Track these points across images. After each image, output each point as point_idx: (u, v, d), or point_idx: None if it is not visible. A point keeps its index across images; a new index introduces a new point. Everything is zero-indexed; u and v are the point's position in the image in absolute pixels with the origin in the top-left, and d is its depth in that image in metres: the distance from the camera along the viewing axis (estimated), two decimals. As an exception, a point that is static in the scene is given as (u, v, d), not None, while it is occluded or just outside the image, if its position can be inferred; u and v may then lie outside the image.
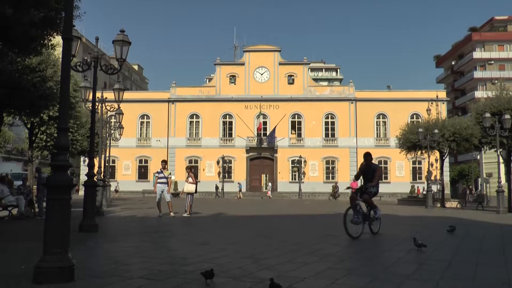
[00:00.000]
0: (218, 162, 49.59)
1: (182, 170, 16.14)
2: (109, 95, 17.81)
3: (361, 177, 9.77)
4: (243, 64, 51.80)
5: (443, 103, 49.35)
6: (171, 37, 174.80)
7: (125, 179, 49.40)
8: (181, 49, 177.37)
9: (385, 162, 49.25)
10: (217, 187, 46.59)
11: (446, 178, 44.87)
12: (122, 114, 22.55)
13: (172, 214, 15.03)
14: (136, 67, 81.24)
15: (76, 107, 21.43)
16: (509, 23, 66.21)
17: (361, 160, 9.76)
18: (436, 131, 26.08)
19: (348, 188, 10.93)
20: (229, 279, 4.93)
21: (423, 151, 28.74)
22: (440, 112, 42.23)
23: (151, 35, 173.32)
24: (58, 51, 9.14)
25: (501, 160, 23.82)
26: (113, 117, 26.15)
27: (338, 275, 5.28)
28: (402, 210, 22.23)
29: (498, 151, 22.95)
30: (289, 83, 51.29)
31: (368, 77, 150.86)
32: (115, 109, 19.64)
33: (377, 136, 50.31)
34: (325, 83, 78.18)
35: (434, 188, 33.90)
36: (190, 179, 15.57)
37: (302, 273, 5.34)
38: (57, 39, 9.09)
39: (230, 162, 49.99)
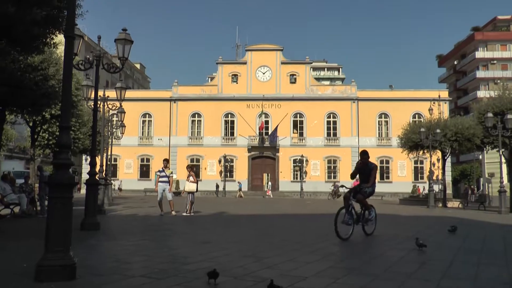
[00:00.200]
0: (220, 161, 49.60)
1: (184, 169, 16.20)
2: (111, 93, 17.84)
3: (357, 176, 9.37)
4: (245, 63, 51.77)
5: (445, 103, 49.25)
6: (173, 36, 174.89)
7: (127, 178, 49.46)
8: (183, 48, 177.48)
9: (387, 162, 49.22)
10: (217, 186, 46.60)
11: (448, 178, 44.83)
12: (124, 112, 22.56)
13: (173, 213, 15.05)
14: (138, 66, 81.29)
15: (78, 105, 21.42)
16: (512, 22, 66.07)
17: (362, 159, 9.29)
18: (438, 130, 26.03)
19: (342, 186, 10.29)
20: (230, 278, 4.93)
21: (425, 151, 28.69)
22: (442, 111, 42.22)
23: (153, 33, 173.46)
24: (60, 50, 9.15)
25: (503, 160, 23.76)
26: (115, 115, 26.18)
27: (339, 274, 5.28)
28: (403, 209, 22.21)
29: (500, 151, 22.90)
30: (291, 82, 51.26)
31: (370, 76, 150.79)
32: (117, 107, 19.65)
33: (379, 135, 50.24)
34: (327, 82, 78.12)
35: (436, 188, 33.86)
36: (191, 178, 15.57)
37: (304, 272, 5.34)
38: (59, 38, 9.10)
39: (232, 161, 50.00)
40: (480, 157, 49.03)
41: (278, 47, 52.14)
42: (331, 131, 50.35)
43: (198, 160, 50.07)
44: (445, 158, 29.81)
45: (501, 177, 21.86)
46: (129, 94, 26.23)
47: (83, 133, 24.81)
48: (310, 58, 52.87)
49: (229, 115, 50.91)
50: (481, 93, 59.48)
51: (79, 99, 20.35)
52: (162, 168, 15.47)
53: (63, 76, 5.27)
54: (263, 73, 51.36)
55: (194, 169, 16.94)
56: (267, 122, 50.07)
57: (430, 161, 28.87)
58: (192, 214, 15.23)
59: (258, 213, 18.26)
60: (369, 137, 49.40)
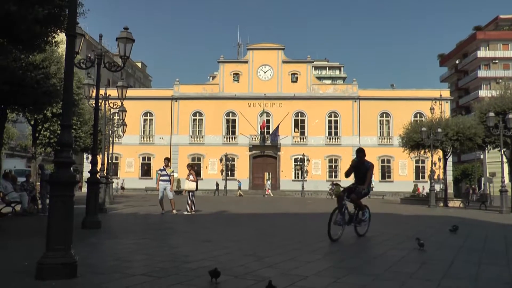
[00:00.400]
0: (221, 160, 49.62)
1: (185, 167, 16.16)
2: (113, 92, 17.84)
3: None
4: (246, 62, 51.75)
5: (447, 102, 49.16)
6: (175, 34, 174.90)
7: (128, 176, 49.50)
8: (185, 46, 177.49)
9: (388, 161, 49.20)
10: (217, 185, 46.57)
11: (449, 178, 44.80)
12: (125, 111, 22.59)
13: (174, 211, 15.07)
14: (139, 65, 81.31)
15: (80, 104, 21.42)
16: (514, 22, 65.93)
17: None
18: (439, 130, 26.00)
19: (336, 184, 9.58)
20: (231, 277, 4.93)
21: (426, 150, 28.66)
22: (444, 111, 42.08)
23: (154, 32, 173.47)
24: (62, 48, 9.15)
25: (504, 159, 23.73)
26: (116, 114, 26.23)
27: (340, 274, 5.28)
28: (404, 209, 22.20)
29: (502, 151, 22.88)
30: (293, 81, 51.21)
31: (372, 75, 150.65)
32: (118, 106, 19.66)
33: (380, 134, 50.19)
34: (329, 82, 78.14)
35: (437, 187, 33.83)
36: (191, 177, 15.57)
37: (305, 271, 5.34)
38: (61, 36, 9.09)
39: (233, 160, 50.02)
40: (482, 156, 48.98)
41: (279, 46, 52.10)
42: (332, 130, 50.32)
43: (199, 159, 50.09)
44: (447, 157, 29.78)
45: (503, 177, 21.84)
46: (130, 92, 26.27)
47: (84, 131, 24.82)
48: (311, 57, 52.81)
49: (231, 114, 50.90)
50: (483, 93, 59.42)
51: (80, 98, 20.35)
52: (163, 167, 15.48)
53: (65, 75, 5.27)
54: (265, 72, 51.33)
55: (195, 168, 16.95)
56: (268, 121, 50.05)
57: (432, 161, 28.83)
58: (193, 212, 15.24)
59: (259, 212, 18.26)
60: (371, 136, 49.36)
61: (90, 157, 18.87)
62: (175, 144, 50.35)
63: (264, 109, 49.22)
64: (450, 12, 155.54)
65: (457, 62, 70.84)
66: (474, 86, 65.75)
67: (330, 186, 42.69)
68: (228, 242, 7.93)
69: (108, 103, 18.43)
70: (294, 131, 50.57)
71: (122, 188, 45.61)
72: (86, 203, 10.37)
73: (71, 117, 5.51)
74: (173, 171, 15.88)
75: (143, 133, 51.45)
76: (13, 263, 5.62)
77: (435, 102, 42.73)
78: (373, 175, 9.03)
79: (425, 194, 39.04)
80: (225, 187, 47.14)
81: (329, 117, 50.38)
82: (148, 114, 51.49)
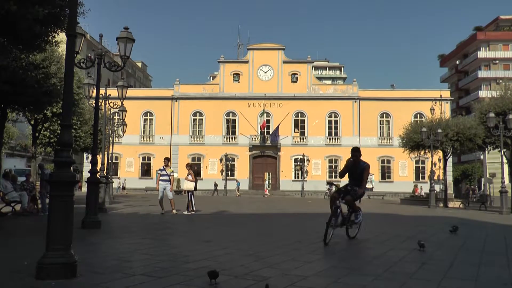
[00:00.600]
0: (221, 160, 49.62)
1: (185, 167, 16.17)
2: (113, 92, 17.83)
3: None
4: (246, 62, 51.74)
5: (447, 103, 49.17)
6: (175, 34, 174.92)
7: (128, 176, 49.49)
8: (185, 46, 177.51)
9: (388, 162, 49.17)
10: (216, 185, 46.52)
11: (449, 178, 44.81)
12: (126, 111, 22.59)
13: (174, 211, 15.07)
14: (139, 64, 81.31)
15: (80, 104, 21.43)
16: (514, 22, 65.92)
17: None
18: (439, 130, 26.00)
19: (331, 184, 9.17)
20: (231, 277, 4.93)
21: (427, 151, 28.66)
22: (444, 111, 42.17)
23: (154, 32, 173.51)
24: (62, 48, 9.15)
25: (504, 160, 23.74)
26: (116, 114, 26.23)
27: (340, 274, 5.28)
28: (404, 209, 22.19)
29: (502, 151, 22.89)
30: (293, 82, 51.20)
31: (372, 76, 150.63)
32: (119, 106, 19.65)
33: (380, 135, 50.17)
34: (329, 82, 78.12)
35: (437, 188, 33.85)
36: (190, 177, 15.57)
37: (305, 271, 5.34)
38: (61, 36, 9.09)
39: (233, 160, 50.01)
40: (482, 157, 48.96)
41: (279, 46, 52.09)
42: (333, 131, 50.31)
43: (199, 159, 50.08)
44: (447, 158, 29.78)
45: (503, 177, 21.85)
46: (130, 92, 26.30)
47: (84, 131, 24.83)
48: (311, 57, 52.78)
49: (231, 114, 50.90)
50: (483, 93, 59.44)
51: (80, 98, 20.37)
52: (163, 166, 15.47)
53: (65, 74, 5.28)
54: (265, 72, 51.33)
55: (194, 168, 16.94)
56: (268, 121, 50.02)
57: (432, 161, 28.85)
58: (193, 212, 15.24)
59: (259, 212, 18.25)
60: (371, 137, 49.35)
61: (90, 156, 18.86)
62: (175, 144, 50.35)
63: (264, 109, 49.21)
64: (450, 12, 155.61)
65: (457, 62, 70.84)
66: (475, 87, 65.75)
67: (328, 186, 42.74)
68: (228, 242, 7.93)
69: (108, 103, 18.41)
70: (294, 131, 50.56)
71: (123, 187, 45.63)
72: (86, 202, 10.37)
73: (71, 116, 5.52)
74: (173, 171, 15.87)
75: (143, 133, 51.44)
76: (13, 263, 5.62)
77: (435, 103, 42.78)
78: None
79: (424, 194, 39.10)
80: (225, 187, 47.13)
81: (329, 117, 50.37)
82: (148, 114, 51.49)
